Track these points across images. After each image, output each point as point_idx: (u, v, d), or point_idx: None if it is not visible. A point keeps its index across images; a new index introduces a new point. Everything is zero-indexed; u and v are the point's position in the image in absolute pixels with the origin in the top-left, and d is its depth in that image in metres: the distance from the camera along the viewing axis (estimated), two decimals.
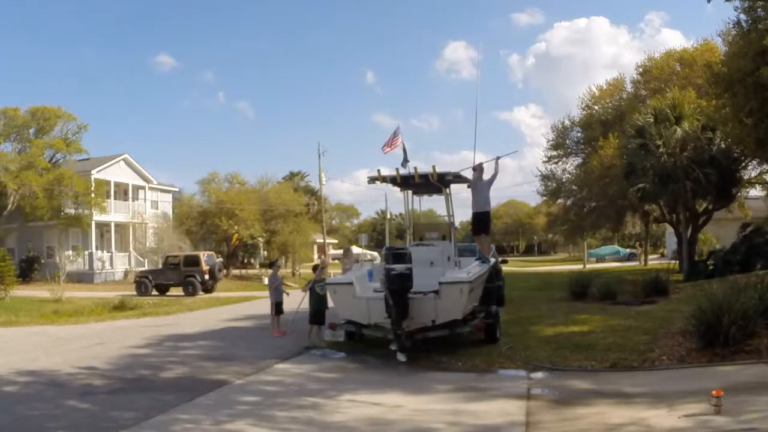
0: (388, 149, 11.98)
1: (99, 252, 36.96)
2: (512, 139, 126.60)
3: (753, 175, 26.13)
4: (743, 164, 23.76)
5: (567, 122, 34.52)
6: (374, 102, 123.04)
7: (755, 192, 29.34)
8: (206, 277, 28.94)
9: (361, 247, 63.19)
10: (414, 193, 12.63)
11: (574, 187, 33.63)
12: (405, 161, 11.76)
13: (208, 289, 29.10)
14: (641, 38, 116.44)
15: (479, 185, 11.20)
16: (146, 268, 34.48)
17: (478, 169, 11.25)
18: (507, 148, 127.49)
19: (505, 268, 18.98)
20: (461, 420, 6.50)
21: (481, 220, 11.39)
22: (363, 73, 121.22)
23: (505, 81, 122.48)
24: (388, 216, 25.94)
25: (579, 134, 34.31)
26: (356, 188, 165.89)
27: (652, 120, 22.52)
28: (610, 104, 32.41)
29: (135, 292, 28.06)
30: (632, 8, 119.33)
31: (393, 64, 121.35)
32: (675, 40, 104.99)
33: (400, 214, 19.55)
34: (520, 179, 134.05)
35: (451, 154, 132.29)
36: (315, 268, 13.31)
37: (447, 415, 6.69)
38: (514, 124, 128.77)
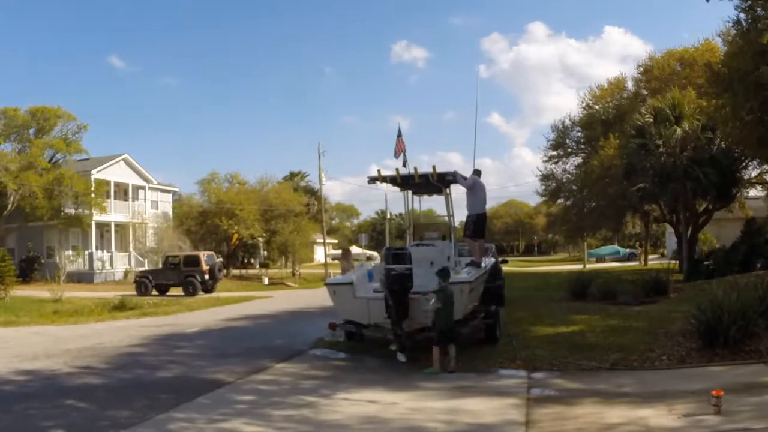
0: (400, 152, 11.90)
1: (99, 252, 36.95)
2: (496, 141, 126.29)
3: (753, 175, 26.13)
4: (743, 164, 23.74)
5: (567, 122, 34.58)
6: (342, 104, 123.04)
7: (755, 192, 29.32)
8: (206, 277, 28.91)
9: (361, 247, 63.34)
10: (414, 193, 12.61)
11: (574, 187, 33.63)
12: (404, 161, 11.76)
13: (208, 289, 29.07)
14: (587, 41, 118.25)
15: (476, 187, 11.05)
16: (146, 268, 34.47)
17: (477, 173, 11.21)
18: (490, 149, 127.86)
19: (505, 268, 18.94)
20: (459, 419, 6.49)
21: (477, 223, 10.92)
22: (327, 75, 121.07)
23: (473, 84, 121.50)
24: (388, 216, 25.87)
25: (579, 134, 34.32)
26: (347, 189, 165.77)
27: (652, 120, 22.52)
28: (610, 104, 32.39)
29: (135, 292, 28.02)
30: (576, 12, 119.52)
31: (354, 65, 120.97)
32: (619, 36, 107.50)
33: (400, 214, 19.51)
34: (506, 180, 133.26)
35: (430, 155, 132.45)
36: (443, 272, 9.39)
37: (445, 414, 6.68)
38: (493, 127, 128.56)
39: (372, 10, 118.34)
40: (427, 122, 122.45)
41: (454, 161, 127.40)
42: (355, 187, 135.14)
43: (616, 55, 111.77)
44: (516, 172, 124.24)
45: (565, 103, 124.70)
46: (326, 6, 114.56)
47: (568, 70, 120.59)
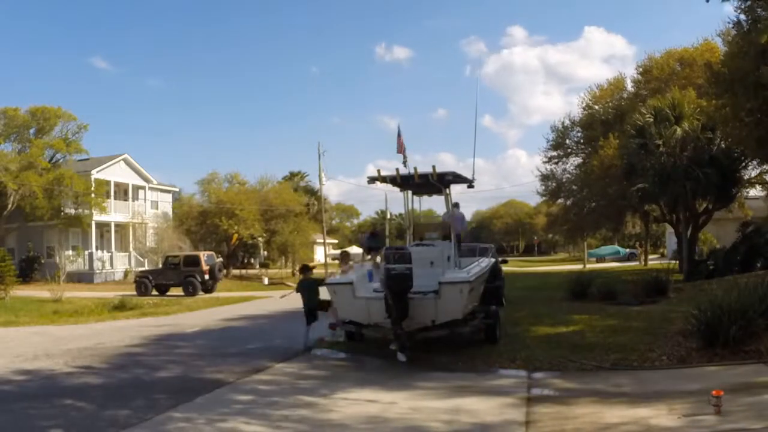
0: (401, 151, 11.93)
1: (99, 252, 36.96)
2: (488, 142, 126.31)
3: (753, 175, 26.13)
4: (743, 164, 23.72)
5: (567, 122, 34.58)
6: (331, 104, 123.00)
7: (755, 192, 29.33)
8: (206, 277, 28.93)
9: (361, 247, 63.16)
10: (414, 193, 12.60)
11: (574, 187, 33.63)
12: (405, 161, 11.75)
13: (208, 289, 29.09)
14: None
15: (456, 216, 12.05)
16: (146, 268, 34.49)
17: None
18: (482, 150, 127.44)
19: (505, 268, 18.91)
20: (459, 419, 6.48)
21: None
22: (314, 75, 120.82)
23: (460, 84, 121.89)
24: (388, 216, 25.91)
25: (579, 134, 34.32)
26: (342, 189, 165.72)
27: (652, 120, 22.49)
28: (610, 104, 32.40)
29: (135, 292, 28.04)
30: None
31: (340, 66, 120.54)
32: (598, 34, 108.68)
33: (400, 214, 19.52)
34: (500, 180, 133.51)
35: (423, 155, 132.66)
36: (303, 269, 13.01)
37: (444, 414, 6.67)
38: (483, 128, 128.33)
39: (356, 11, 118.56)
40: (417, 122, 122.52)
41: (447, 162, 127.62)
42: (351, 187, 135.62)
43: (600, 56, 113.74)
44: (509, 172, 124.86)
45: (553, 105, 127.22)
46: (311, 6, 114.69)
47: (552, 72, 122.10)
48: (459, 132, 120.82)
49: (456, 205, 12.66)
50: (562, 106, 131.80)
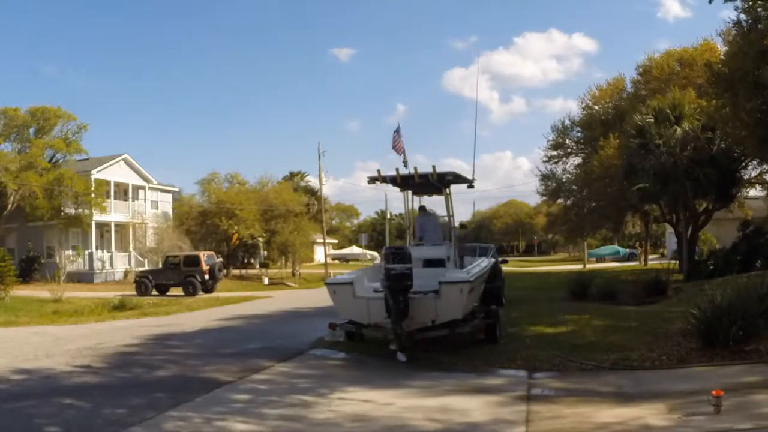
0: (401, 150, 11.86)
1: (99, 252, 36.95)
2: (467, 142, 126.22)
3: (753, 175, 26.13)
4: (743, 164, 23.73)
5: (567, 122, 34.57)
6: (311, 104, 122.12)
7: (755, 192, 29.33)
8: (206, 277, 28.93)
9: (361, 247, 63.36)
10: (414, 193, 12.61)
11: (574, 187, 33.62)
12: (405, 162, 11.75)
13: (208, 289, 29.08)
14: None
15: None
16: (146, 268, 34.49)
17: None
18: (459, 150, 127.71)
19: (505, 268, 18.96)
20: (457, 419, 6.47)
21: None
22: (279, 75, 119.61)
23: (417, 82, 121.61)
24: (388, 216, 25.97)
25: (579, 134, 34.31)
26: (335, 189, 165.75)
27: (652, 120, 22.49)
28: (610, 104, 32.41)
29: (135, 292, 28.04)
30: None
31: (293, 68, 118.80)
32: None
33: (400, 215, 19.56)
34: (483, 181, 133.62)
35: (399, 157, 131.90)
36: None
37: (442, 414, 6.67)
38: (458, 129, 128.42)
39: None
40: (378, 123, 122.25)
41: (422, 163, 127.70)
42: (343, 186, 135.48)
43: (544, 55, 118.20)
44: (490, 172, 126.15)
45: (515, 106, 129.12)
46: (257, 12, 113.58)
47: (496, 75, 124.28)
48: (426, 132, 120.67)
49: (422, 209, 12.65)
50: (524, 107, 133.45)
